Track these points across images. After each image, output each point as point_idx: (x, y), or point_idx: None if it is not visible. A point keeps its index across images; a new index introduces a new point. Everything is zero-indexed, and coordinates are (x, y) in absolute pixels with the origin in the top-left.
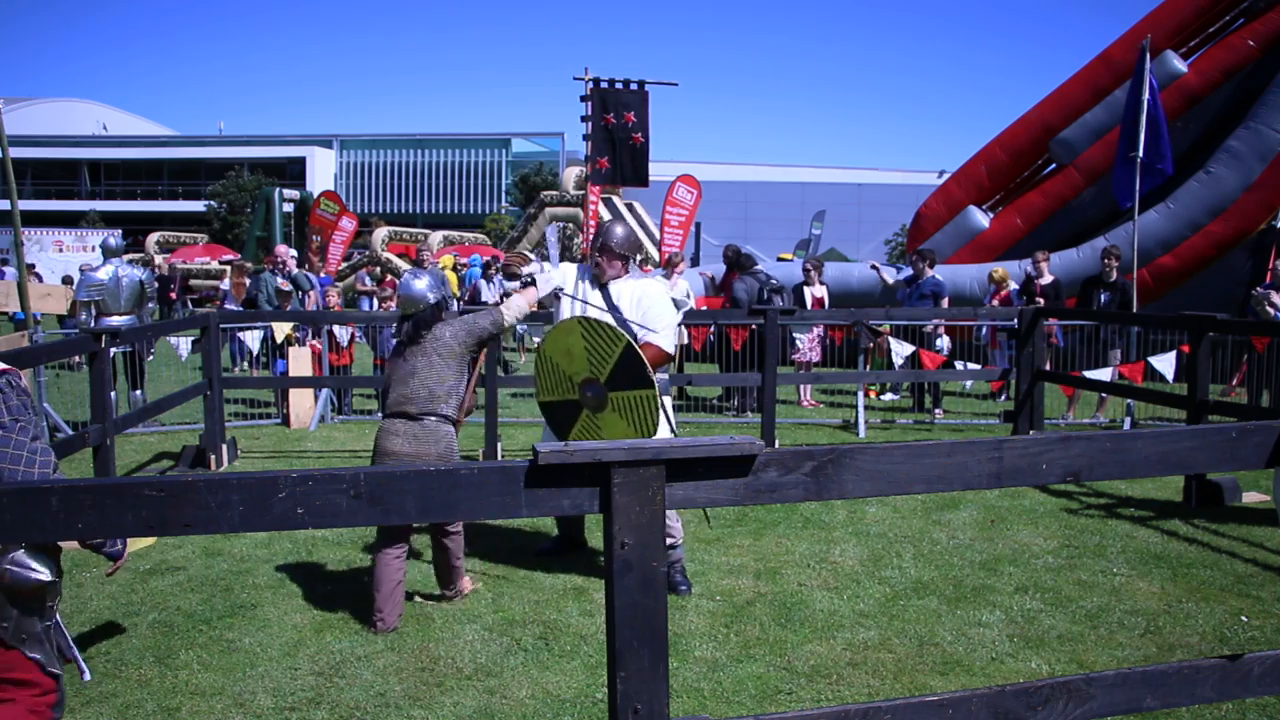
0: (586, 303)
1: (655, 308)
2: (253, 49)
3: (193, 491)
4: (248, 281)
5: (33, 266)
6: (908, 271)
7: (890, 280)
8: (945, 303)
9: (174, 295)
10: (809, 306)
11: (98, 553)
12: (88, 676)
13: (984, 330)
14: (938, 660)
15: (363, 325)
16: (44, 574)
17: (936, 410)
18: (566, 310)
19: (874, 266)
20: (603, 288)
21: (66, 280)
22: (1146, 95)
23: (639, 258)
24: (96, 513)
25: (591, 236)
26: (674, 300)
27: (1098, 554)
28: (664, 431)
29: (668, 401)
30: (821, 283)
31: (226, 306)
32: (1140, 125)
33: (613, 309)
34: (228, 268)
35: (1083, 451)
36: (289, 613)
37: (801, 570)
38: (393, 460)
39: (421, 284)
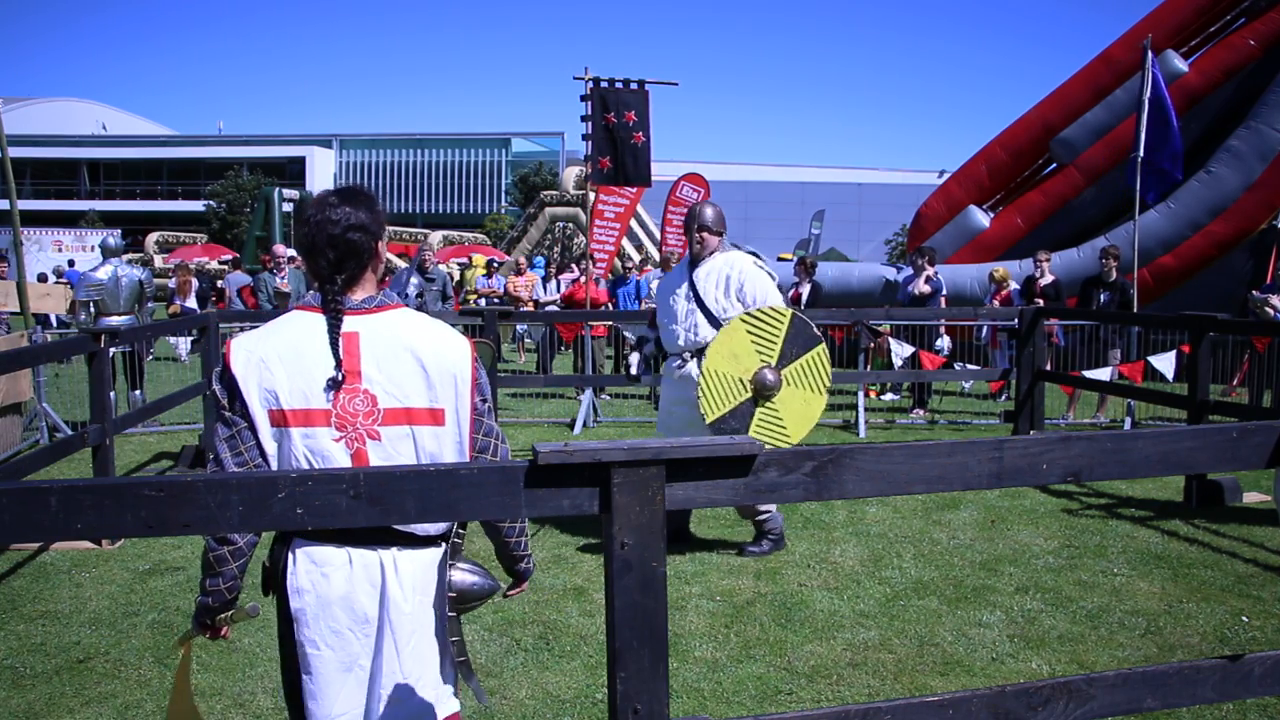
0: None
1: (749, 284)
2: (253, 49)
3: (192, 491)
4: (195, 282)
5: (45, 278)
6: (908, 271)
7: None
8: (944, 302)
9: None
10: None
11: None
12: (486, 700)
13: (984, 330)
14: (938, 660)
15: None
16: (496, 584)
17: (917, 410)
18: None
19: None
20: (690, 279)
21: (42, 278)
22: (1148, 94)
23: (723, 237)
24: (96, 513)
25: (685, 217)
26: (768, 274)
27: (1098, 554)
28: None
29: None
30: (811, 281)
31: (177, 304)
32: (1141, 125)
33: (697, 299)
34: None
35: (1083, 451)
36: None
37: (801, 570)
38: None
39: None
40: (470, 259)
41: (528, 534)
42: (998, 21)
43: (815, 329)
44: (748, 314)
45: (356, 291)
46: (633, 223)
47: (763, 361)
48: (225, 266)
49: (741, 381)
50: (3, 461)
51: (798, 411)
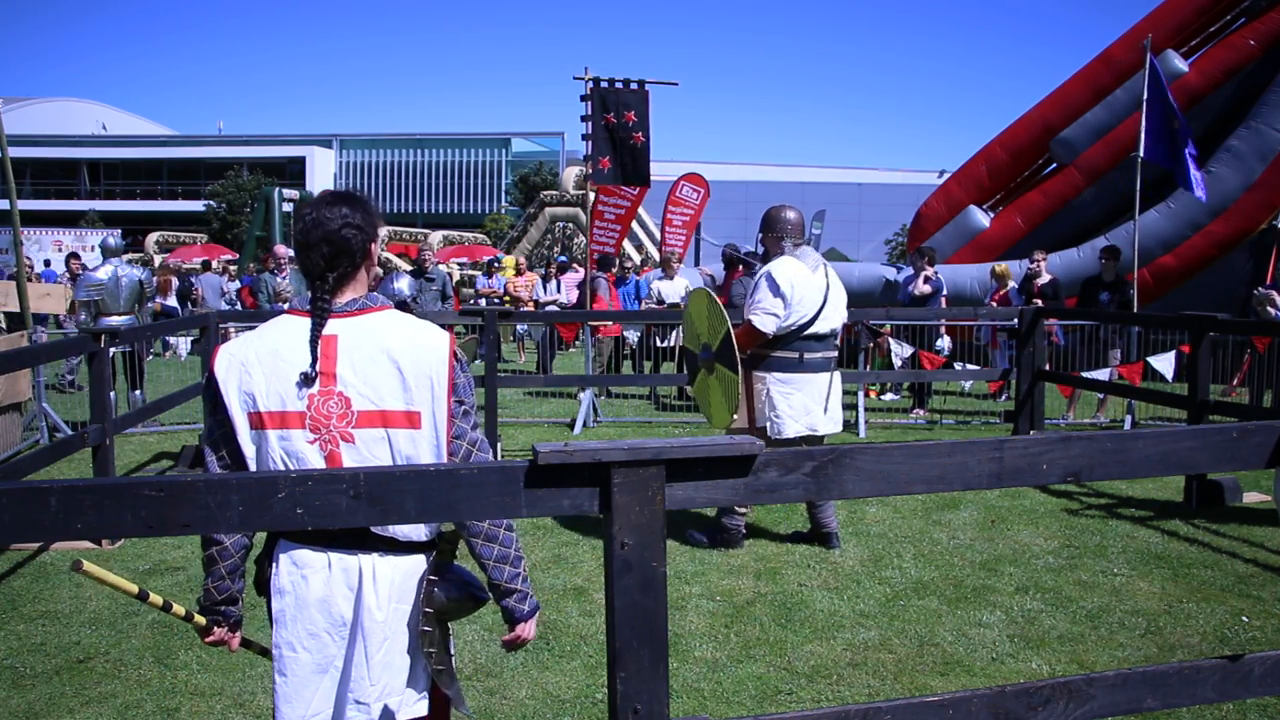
0: None
1: (754, 289)
2: (253, 49)
3: (192, 491)
4: (175, 281)
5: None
6: (908, 271)
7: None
8: (944, 302)
9: None
10: None
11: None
12: (467, 709)
13: (984, 330)
14: (938, 660)
15: None
16: (485, 596)
17: (917, 410)
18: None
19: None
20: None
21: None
22: (1146, 95)
23: (788, 241)
24: (96, 513)
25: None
26: (773, 281)
27: (1098, 554)
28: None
29: (835, 384)
30: None
31: (158, 303)
32: (1142, 126)
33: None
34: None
35: (1083, 451)
36: None
37: (801, 570)
38: None
39: (400, 284)
40: (499, 261)
41: (523, 566)
42: (998, 21)
43: (737, 359)
44: (711, 294)
45: (345, 293)
46: (633, 223)
47: (709, 339)
48: (196, 267)
49: (696, 338)
50: (3, 461)
51: (718, 404)
